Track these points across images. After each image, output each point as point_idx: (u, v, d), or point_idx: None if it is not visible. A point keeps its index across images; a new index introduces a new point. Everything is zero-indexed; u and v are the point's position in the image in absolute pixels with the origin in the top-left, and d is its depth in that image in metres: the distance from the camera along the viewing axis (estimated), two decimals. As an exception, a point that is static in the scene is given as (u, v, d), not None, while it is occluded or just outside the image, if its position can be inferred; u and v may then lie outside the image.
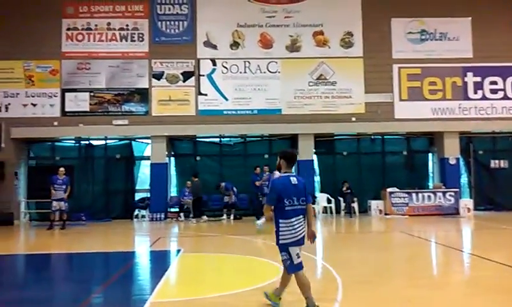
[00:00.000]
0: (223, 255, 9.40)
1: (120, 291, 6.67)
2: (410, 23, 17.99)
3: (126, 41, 17.48)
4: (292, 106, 17.54)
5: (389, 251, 10.30)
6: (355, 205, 16.84)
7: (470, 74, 17.86)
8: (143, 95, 17.36)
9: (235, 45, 17.66)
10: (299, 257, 5.12)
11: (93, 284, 7.17)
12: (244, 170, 17.47)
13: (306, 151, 17.36)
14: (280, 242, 5.16)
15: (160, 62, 17.42)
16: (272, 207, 5.19)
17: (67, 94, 17.17)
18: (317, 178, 18.14)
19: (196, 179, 16.74)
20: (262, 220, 12.73)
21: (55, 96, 17.12)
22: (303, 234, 5.15)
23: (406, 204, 16.67)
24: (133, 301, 6.15)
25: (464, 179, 18.51)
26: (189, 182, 16.69)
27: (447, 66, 17.83)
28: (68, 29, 17.38)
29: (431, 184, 18.37)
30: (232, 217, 16.46)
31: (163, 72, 17.42)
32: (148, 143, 17.77)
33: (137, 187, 18.13)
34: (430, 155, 18.82)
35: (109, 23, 17.50)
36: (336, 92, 17.64)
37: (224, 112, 17.43)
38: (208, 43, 17.61)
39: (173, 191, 18.10)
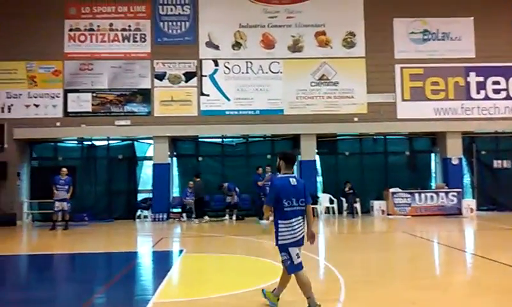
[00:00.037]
0: (226, 255, 9.40)
1: (123, 291, 6.68)
2: (412, 23, 17.96)
3: (128, 41, 17.51)
4: (294, 106, 17.53)
5: (392, 251, 10.29)
6: (357, 205, 16.80)
7: (472, 74, 17.82)
8: (145, 96, 17.37)
9: (237, 45, 17.66)
10: (299, 257, 5.14)
11: (96, 284, 7.17)
12: (246, 170, 17.46)
13: (309, 151, 17.35)
14: (279, 242, 5.19)
15: (163, 62, 17.44)
16: (272, 208, 5.22)
17: (69, 95, 17.20)
18: (319, 179, 18.13)
19: (198, 179, 16.75)
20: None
21: (57, 96, 17.16)
22: (302, 235, 5.19)
23: (409, 205, 16.63)
24: (136, 301, 6.15)
25: (466, 179, 18.47)
26: (191, 182, 16.69)
27: (449, 66, 17.79)
28: (71, 30, 17.41)
29: (433, 184, 18.32)
30: (234, 217, 16.45)
31: (165, 73, 17.43)
32: (150, 144, 17.78)
33: (139, 188, 18.14)
34: (432, 155, 18.80)
35: (111, 24, 17.52)
36: (339, 92, 17.62)
37: (227, 112, 17.43)
38: (210, 44, 17.62)
39: (175, 191, 18.12)
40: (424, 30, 17.96)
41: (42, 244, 12.34)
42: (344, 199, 17.08)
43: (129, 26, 17.55)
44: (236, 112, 17.44)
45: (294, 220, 5.12)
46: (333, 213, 17.03)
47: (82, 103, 17.17)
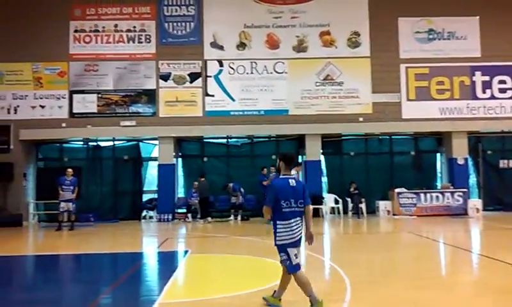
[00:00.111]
0: (231, 256, 9.40)
1: (128, 292, 6.69)
2: (418, 23, 17.90)
3: (133, 42, 17.56)
4: (299, 106, 17.51)
5: (397, 251, 10.26)
6: (363, 206, 16.75)
7: (478, 73, 17.74)
8: (150, 96, 17.42)
9: (241, 45, 17.67)
10: (297, 257, 5.19)
11: (102, 285, 7.20)
12: (251, 171, 17.45)
13: (314, 151, 17.34)
14: (277, 242, 5.25)
15: (168, 63, 17.48)
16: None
17: (75, 96, 17.27)
18: (324, 179, 18.09)
19: (203, 179, 16.76)
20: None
21: (63, 97, 17.23)
22: (300, 235, 5.23)
23: (414, 205, 16.58)
24: (141, 302, 6.17)
25: (472, 179, 18.37)
26: (196, 183, 16.72)
27: (454, 66, 17.71)
28: (76, 31, 17.49)
29: (439, 184, 18.25)
30: (239, 217, 16.46)
31: (170, 73, 17.47)
32: (155, 144, 17.84)
33: (144, 188, 18.20)
34: (438, 155, 18.72)
35: (116, 25, 17.58)
36: (343, 92, 17.59)
37: (231, 113, 17.44)
38: (215, 44, 17.64)
39: (180, 192, 18.14)
40: (429, 29, 17.89)
41: (48, 245, 12.40)
42: (349, 200, 17.03)
43: (134, 27, 17.60)
44: (241, 113, 17.45)
45: (292, 221, 5.17)
46: (338, 213, 17.00)
47: (87, 104, 17.25)
